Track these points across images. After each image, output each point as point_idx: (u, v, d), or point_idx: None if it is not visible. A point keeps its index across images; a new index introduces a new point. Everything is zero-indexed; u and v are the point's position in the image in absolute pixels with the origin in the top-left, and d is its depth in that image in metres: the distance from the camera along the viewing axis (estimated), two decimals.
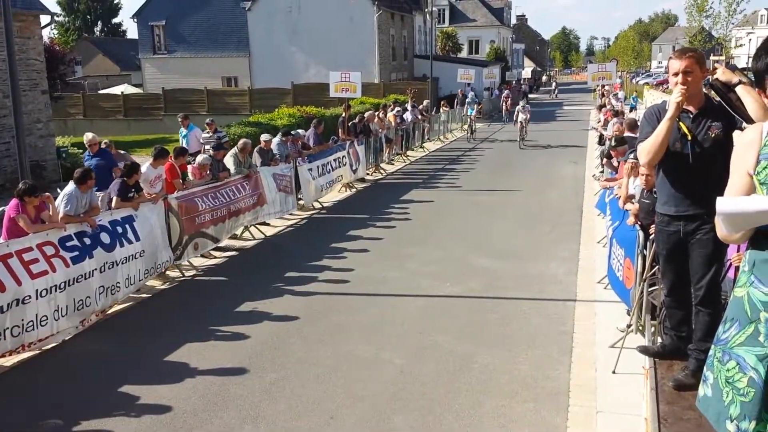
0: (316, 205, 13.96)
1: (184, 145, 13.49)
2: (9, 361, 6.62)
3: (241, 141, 11.80)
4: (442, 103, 28.19)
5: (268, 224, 12.12)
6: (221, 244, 10.55)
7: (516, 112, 23.60)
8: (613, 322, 6.96)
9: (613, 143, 11.07)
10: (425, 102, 26.23)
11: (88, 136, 10.83)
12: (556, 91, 58.52)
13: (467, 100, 28.30)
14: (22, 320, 6.55)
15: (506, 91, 36.31)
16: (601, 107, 21.27)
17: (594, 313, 7.44)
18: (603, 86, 25.15)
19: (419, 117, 23.93)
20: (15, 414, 5.64)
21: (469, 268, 9.29)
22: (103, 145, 10.86)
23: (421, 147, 23.54)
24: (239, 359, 6.51)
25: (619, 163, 9.96)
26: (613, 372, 5.88)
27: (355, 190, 15.94)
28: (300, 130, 15.11)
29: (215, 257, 10.26)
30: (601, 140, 16.37)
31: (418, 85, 36.14)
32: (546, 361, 6.28)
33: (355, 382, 5.99)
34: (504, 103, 34.10)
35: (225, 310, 7.90)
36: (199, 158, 10.81)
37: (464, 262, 9.57)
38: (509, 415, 5.34)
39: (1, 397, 5.99)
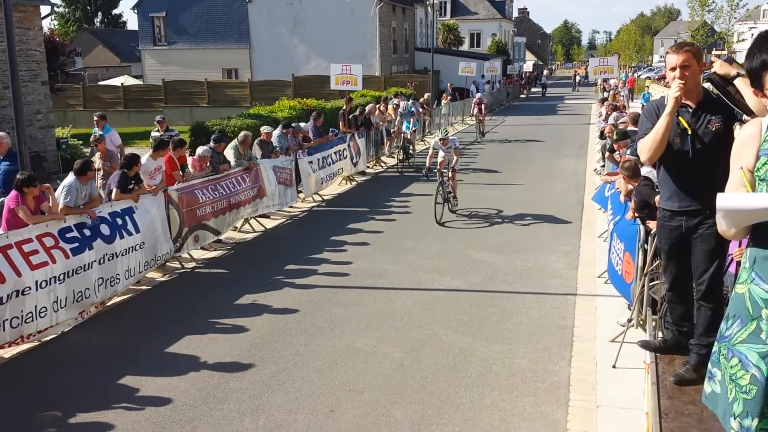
0: (317, 197, 13.93)
1: None
2: (8, 352, 6.61)
3: (242, 133, 11.75)
4: (443, 96, 28.07)
5: (268, 217, 12.09)
6: (221, 237, 10.53)
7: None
8: (614, 317, 6.95)
9: (615, 137, 11.07)
10: (426, 95, 26.16)
11: None
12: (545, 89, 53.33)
13: (474, 92, 28.07)
14: (22, 311, 6.53)
15: (478, 95, 27.58)
16: (603, 101, 21.18)
17: (594, 308, 7.43)
18: (605, 81, 25.07)
19: (420, 110, 23.85)
20: (14, 405, 5.63)
21: (469, 262, 9.27)
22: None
23: (422, 140, 23.47)
24: (239, 352, 6.50)
25: (621, 156, 9.94)
26: (614, 366, 5.87)
27: (355, 183, 15.91)
28: (302, 123, 15.06)
29: (215, 249, 10.24)
30: (603, 134, 16.33)
31: (419, 78, 36.08)
32: (546, 356, 6.27)
33: (354, 375, 5.98)
34: (475, 108, 24.98)
35: (225, 302, 7.89)
36: (200, 150, 10.77)
37: (464, 256, 9.55)
38: (509, 409, 5.34)
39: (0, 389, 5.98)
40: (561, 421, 5.15)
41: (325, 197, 14.15)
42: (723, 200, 2.54)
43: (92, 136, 11.17)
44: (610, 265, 7.71)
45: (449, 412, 5.32)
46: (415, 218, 12.03)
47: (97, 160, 10.24)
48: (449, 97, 28.04)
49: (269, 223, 11.88)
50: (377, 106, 19.61)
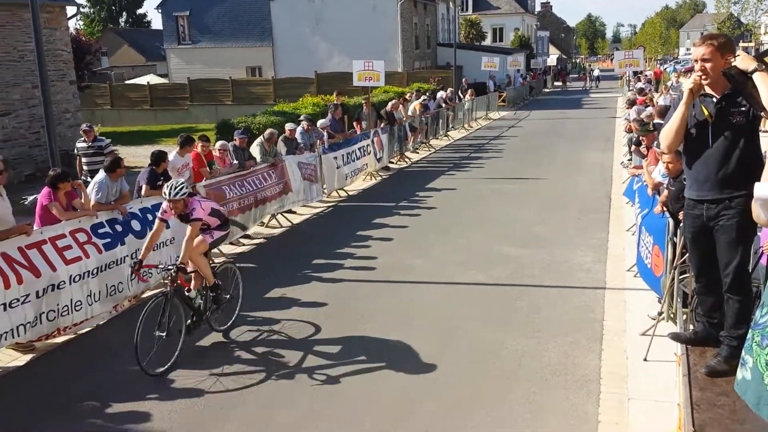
0: (341, 193, 14.00)
1: None
2: (46, 344, 6.77)
3: (268, 131, 11.87)
4: (469, 91, 27.96)
5: (294, 212, 12.19)
6: (249, 232, 10.64)
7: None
8: (644, 310, 6.90)
9: (639, 130, 10.96)
10: (449, 90, 26.10)
11: None
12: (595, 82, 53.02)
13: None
14: (58, 305, 6.69)
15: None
16: (632, 103, 20.92)
17: (624, 301, 7.39)
18: (635, 74, 24.70)
19: (443, 105, 23.82)
20: (54, 395, 5.78)
21: (494, 256, 9.26)
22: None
23: (445, 135, 23.45)
24: (268, 345, 6.58)
25: (648, 150, 9.84)
26: (645, 359, 5.84)
27: (379, 178, 15.95)
28: (319, 120, 15.04)
29: (243, 245, 10.35)
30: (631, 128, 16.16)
31: (441, 73, 35.97)
32: (575, 349, 6.26)
33: (383, 368, 6.02)
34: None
35: (254, 296, 7.97)
36: (219, 143, 10.90)
37: (490, 250, 9.55)
38: (539, 401, 5.34)
39: (38, 380, 6.13)
40: (592, 413, 5.15)
41: (350, 193, 14.21)
42: (760, 190, 2.54)
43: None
44: (639, 259, 7.65)
45: (479, 404, 5.34)
46: (440, 213, 12.04)
47: None
48: (468, 91, 27.86)
49: (295, 219, 11.97)
50: (400, 101, 19.60)
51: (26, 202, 9.15)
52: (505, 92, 35.65)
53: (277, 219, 11.63)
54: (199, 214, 6.31)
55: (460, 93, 27.81)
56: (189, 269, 6.40)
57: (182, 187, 6.21)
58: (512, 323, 6.94)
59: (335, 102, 16.79)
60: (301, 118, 14.26)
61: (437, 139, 22.55)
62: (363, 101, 17.08)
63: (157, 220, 6.44)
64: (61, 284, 6.73)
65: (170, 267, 6.26)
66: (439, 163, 18.11)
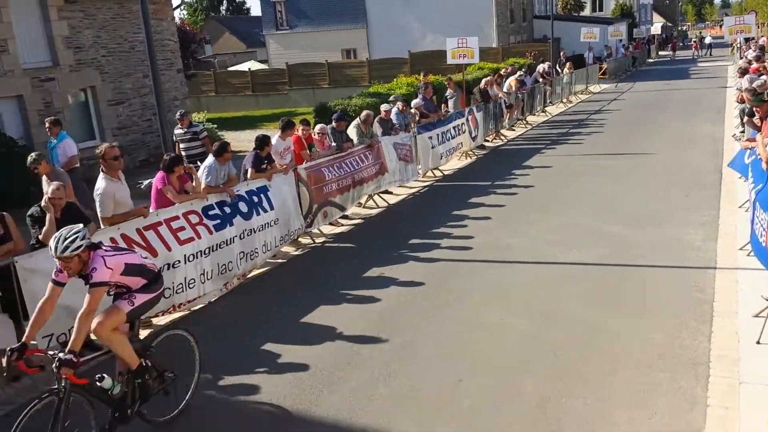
0: (437, 173, 14.02)
1: (54, 161, 10.31)
2: (162, 320, 7.27)
3: (364, 113, 12.05)
4: (567, 65, 27.08)
5: (390, 192, 12.34)
6: (347, 212, 10.90)
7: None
8: (757, 291, 6.54)
9: (754, 99, 10.27)
10: (547, 63, 25.38)
11: None
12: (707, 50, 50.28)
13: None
14: (173, 283, 7.15)
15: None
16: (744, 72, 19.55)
17: (735, 281, 7.02)
18: (746, 40, 23.12)
19: (540, 80, 23.22)
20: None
21: (596, 235, 9.02)
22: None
23: (542, 111, 22.88)
24: (369, 322, 6.76)
25: (762, 121, 9.22)
26: (758, 342, 5.56)
27: (475, 157, 15.82)
28: (414, 100, 15.03)
29: (342, 225, 10.62)
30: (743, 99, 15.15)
31: (538, 46, 34.99)
32: (683, 330, 6.03)
33: (481, 346, 6.06)
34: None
35: (354, 275, 8.20)
36: (318, 126, 11.17)
37: (591, 229, 9.30)
38: (643, 383, 5.21)
39: (156, 353, 6.59)
40: (700, 397, 4.96)
41: (445, 172, 14.20)
42: None
43: (30, 158, 7.98)
44: (753, 237, 7.22)
45: (580, 385, 5.27)
46: (538, 191, 11.82)
47: (44, 183, 7.72)
48: (566, 65, 26.92)
49: (391, 199, 12.12)
50: (494, 78, 19.27)
51: (142, 186, 9.80)
52: (605, 64, 34.23)
53: (373, 199, 11.82)
54: (103, 276, 4.45)
55: (557, 67, 27.01)
56: (89, 356, 4.87)
57: (74, 239, 4.34)
58: (615, 304, 6.76)
59: (425, 81, 16.74)
60: (391, 98, 14.33)
61: (534, 115, 22.04)
62: (446, 81, 16.91)
63: (49, 283, 4.50)
64: (176, 263, 7.19)
65: (58, 354, 4.26)
66: (537, 140, 17.71)
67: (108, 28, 17.17)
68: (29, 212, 6.43)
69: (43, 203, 6.19)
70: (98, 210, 6.91)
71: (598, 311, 6.60)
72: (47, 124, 10.94)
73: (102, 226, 6.79)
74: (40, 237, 6.14)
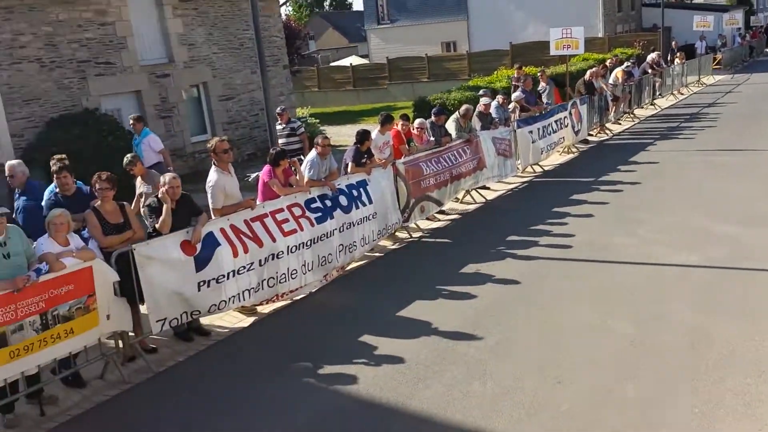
0: (537, 168, 13.74)
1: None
2: (266, 308, 7.60)
3: (464, 107, 11.99)
4: (679, 54, 25.73)
5: (488, 188, 12.23)
6: (444, 208, 10.91)
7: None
8: None
9: None
10: (656, 53, 24.20)
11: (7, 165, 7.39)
12: None
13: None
14: (276, 272, 7.44)
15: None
16: None
17: None
18: None
19: (649, 71, 22.18)
20: (272, 354, 6.50)
21: (708, 236, 8.56)
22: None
23: (651, 104, 21.87)
24: (465, 318, 6.77)
25: None
26: None
27: (577, 152, 15.37)
28: (515, 93, 14.75)
29: (439, 220, 10.64)
30: None
31: (647, 36, 33.43)
32: None
33: (581, 348, 5.92)
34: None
35: (450, 270, 8.22)
36: (417, 121, 11.21)
37: (702, 229, 8.84)
38: (755, 393, 4.92)
39: (260, 340, 6.93)
40: None
41: (546, 168, 13.89)
42: None
43: (125, 159, 7.96)
44: None
45: (686, 392, 5.06)
46: (645, 188, 11.35)
47: (138, 185, 7.92)
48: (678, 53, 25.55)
49: (489, 195, 12.01)
50: (600, 69, 18.58)
51: (249, 179, 10.24)
52: (720, 54, 32.22)
53: (471, 195, 11.76)
54: None
55: (668, 57, 25.71)
56: None
57: None
58: (726, 309, 6.41)
59: (524, 74, 16.39)
60: (480, 92, 14.13)
61: (642, 108, 21.11)
62: (539, 74, 16.46)
63: None
64: (280, 254, 7.47)
65: None
66: (645, 135, 16.97)
67: (219, 26, 17.96)
68: (146, 202, 6.88)
69: (159, 194, 6.61)
70: (209, 201, 7.29)
71: (707, 316, 6.29)
72: (131, 121, 11.20)
73: (213, 217, 7.16)
74: (157, 226, 6.56)
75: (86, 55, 14.75)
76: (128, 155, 7.99)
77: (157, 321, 6.38)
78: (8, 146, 13.31)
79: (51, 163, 7.19)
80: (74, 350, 5.82)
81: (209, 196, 7.28)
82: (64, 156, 7.39)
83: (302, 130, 12.44)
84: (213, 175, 7.29)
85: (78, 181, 7.20)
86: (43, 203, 6.99)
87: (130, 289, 6.22)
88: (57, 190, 6.93)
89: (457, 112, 11.92)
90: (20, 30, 13.60)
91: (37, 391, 5.71)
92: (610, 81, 18.69)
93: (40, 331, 5.45)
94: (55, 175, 6.92)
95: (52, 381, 5.92)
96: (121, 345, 6.36)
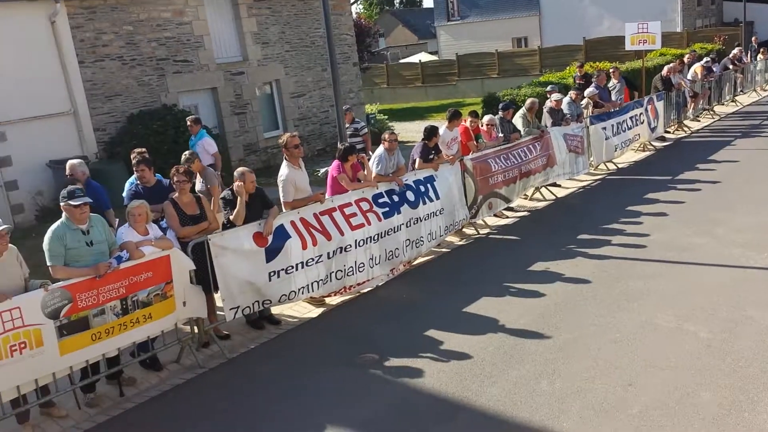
0: (610, 166, 13.37)
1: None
2: (334, 300, 7.71)
3: (529, 100, 11.80)
4: (761, 50, 24.48)
5: (558, 185, 12.00)
6: (512, 205, 10.78)
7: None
8: None
9: None
10: (738, 49, 23.10)
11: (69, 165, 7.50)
12: None
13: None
14: (344, 265, 7.56)
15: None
16: None
17: None
18: None
19: (730, 67, 21.20)
20: (340, 345, 6.60)
21: None
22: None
23: (732, 101, 20.92)
24: (533, 316, 6.68)
25: None
26: None
27: (653, 149, 14.87)
28: (588, 89, 14.36)
29: (507, 217, 10.52)
30: None
31: (728, 31, 31.95)
32: None
33: (655, 351, 5.75)
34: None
35: (518, 268, 8.12)
36: (486, 118, 11.10)
37: None
38: None
39: (328, 331, 7.04)
40: None
41: (620, 165, 13.50)
42: None
43: (183, 156, 7.85)
44: None
45: (764, 399, 4.84)
46: (725, 187, 10.88)
47: (197, 182, 7.96)
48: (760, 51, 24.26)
49: (560, 192, 11.78)
50: (677, 64, 17.88)
51: (319, 174, 10.42)
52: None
53: (541, 192, 11.57)
54: None
55: (750, 53, 24.49)
56: None
57: None
58: None
59: (589, 70, 15.92)
60: (548, 88, 13.80)
61: (722, 105, 20.22)
62: (611, 71, 15.91)
63: None
64: (348, 247, 7.57)
65: None
66: (725, 132, 16.25)
67: (291, 24, 18.30)
68: (221, 195, 7.10)
69: (235, 187, 6.81)
70: (280, 194, 7.46)
71: None
72: (189, 122, 11.05)
73: (284, 210, 7.32)
74: (231, 218, 6.77)
75: (165, 53, 15.32)
76: (186, 152, 8.11)
77: (230, 309, 6.59)
78: (92, 140, 14.01)
79: (131, 157, 7.56)
80: (152, 335, 6.09)
81: (280, 189, 7.45)
82: (143, 150, 7.75)
83: (365, 130, 12.45)
84: (284, 169, 7.46)
85: (157, 174, 7.51)
86: (123, 194, 7.34)
87: (205, 277, 6.45)
88: (137, 182, 7.26)
89: (523, 107, 11.75)
90: (103, 29, 14.24)
91: (116, 372, 6.01)
92: (689, 77, 17.99)
93: (120, 315, 5.72)
94: (135, 168, 7.25)
95: (131, 363, 6.21)
96: (196, 331, 6.59)
